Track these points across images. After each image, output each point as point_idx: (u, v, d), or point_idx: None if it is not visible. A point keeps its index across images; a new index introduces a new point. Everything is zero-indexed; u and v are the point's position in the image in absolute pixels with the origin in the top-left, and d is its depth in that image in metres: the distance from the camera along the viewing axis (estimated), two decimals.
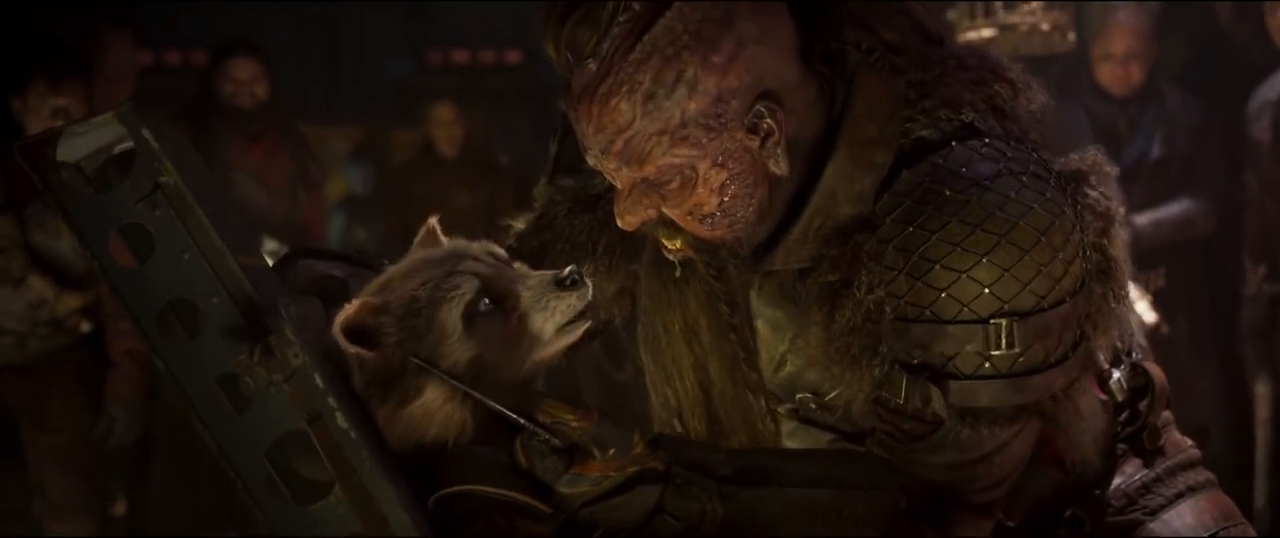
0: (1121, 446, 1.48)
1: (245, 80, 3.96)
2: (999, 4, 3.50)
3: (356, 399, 1.29)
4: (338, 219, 4.90)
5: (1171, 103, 3.71)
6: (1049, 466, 1.42)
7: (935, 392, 1.31)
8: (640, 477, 1.25)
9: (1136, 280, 3.24)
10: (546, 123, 1.61)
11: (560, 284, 1.31)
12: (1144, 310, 3.39)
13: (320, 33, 5.60)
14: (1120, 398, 1.47)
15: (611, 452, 1.25)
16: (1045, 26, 3.50)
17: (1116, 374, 1.46)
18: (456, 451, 1.27)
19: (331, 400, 1.22)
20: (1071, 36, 3.57)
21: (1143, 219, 3.52)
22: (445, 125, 4.52)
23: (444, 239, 1.38)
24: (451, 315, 1.28)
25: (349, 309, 1.28)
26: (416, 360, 1.27)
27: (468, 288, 1.29)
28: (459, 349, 1.28)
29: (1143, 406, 1.48)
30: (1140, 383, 1.48)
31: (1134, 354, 1.50)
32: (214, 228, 1.22)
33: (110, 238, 1.23)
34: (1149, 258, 3.51)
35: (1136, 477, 1.47)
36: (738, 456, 1.33)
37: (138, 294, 1.22)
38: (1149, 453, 1.48)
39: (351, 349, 1.27)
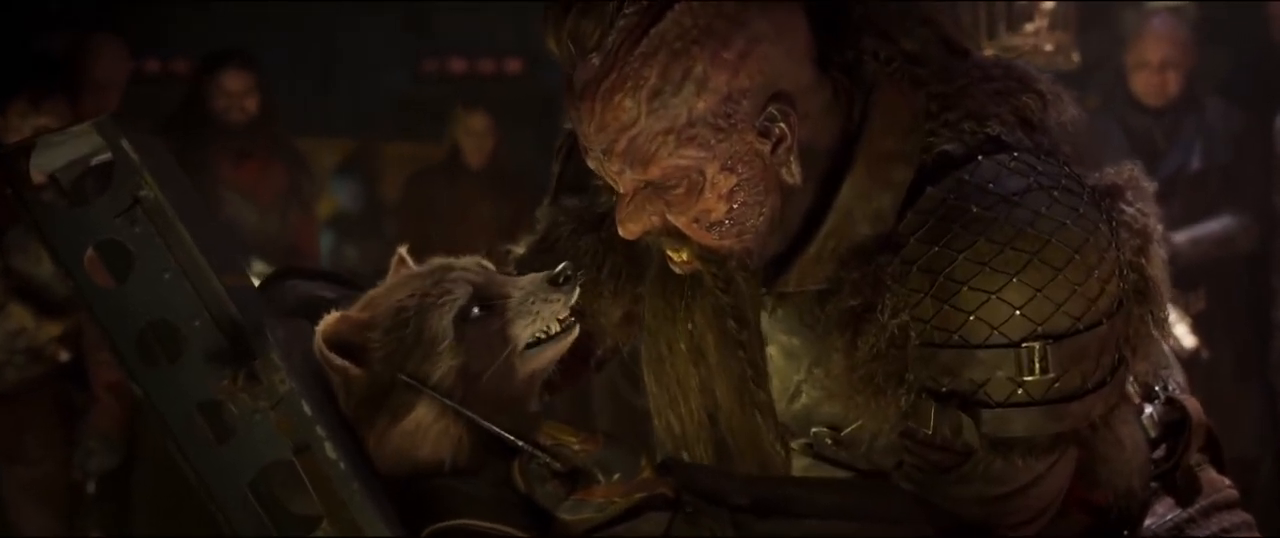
0: (1154, 484, 1.46)
1: (237, 93, 3.95)
2: (1001, 25, 3.52)
3: (346, 428, 1.28)
4: (326, 238, 4.89)
5: (1211, 113, 3.70)
6: (1076, 510, 1.40)
7: (966, 421, 1.29)
8: (647, 504, 1.24)
9: (1175, 302, 3.21)
10: (550, 136, 1.61)
11: (553, 283, 1.30)
12: (1183, 334, 3.36)
13: (312, 40, 5.61)
14: (1153, 434, 1.45)
15: (616, 477, 1.24)
16: (1048, 47, 3.52)
17: (1149, 409, 1.45)
18: (447, 482, 1.26)
19: (320, 429, 1.21)
20: (1075, 57, 3.60)
21: (1181, 236, 3.50)
22: (476, 136, 4.51)
23: (413, 265, 1.37)
24: (442, 322, 1.28)
25: (328, 321, 1.27)
26: (403, 377, 1.26)
27: (459, 293, 1.29)
28: (447, 359, 1.27)
29: (1177, 443, 1.46)
30: (1175, 418, 1.47)
31: (1169, 387, 1.48)
32: (197, 245, 1.21)
33: (86, 255, 1.22)
34: (1187, 278, 3.48)
35: (1169, 518, 1.46)
36: (754, 484, 1.32)
37: (115, 316, 1.21)
38: (1183, 493, 1.47)
39: (337, 362, 1.26)
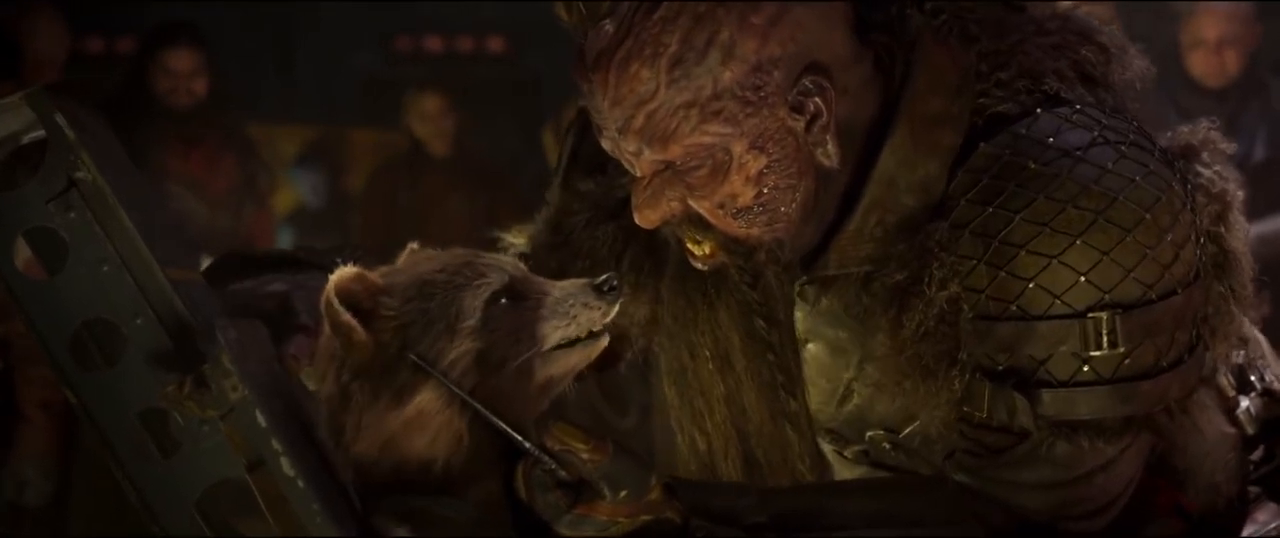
0: (1254, 489, 1.44)
1: (183, 74, 3.95)
2: None
3: (308, 441, 1.28)
4: (284, 234, 4.89)
5: (1277, 96, 3.71)
6: (1166, 514, 1.38)
7: (1021, 402, 1.28)
8: (652, 528, 1.24)
9: None
10: (535, 122, 1.60)
11: (597, 290, 1.30)
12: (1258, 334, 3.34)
13: (270, 14, 5.61)
14: (1251, 431, 1.43)
15: (623, 494, 1.23)
16: None
17: (1245, 403, 1.43)
18: (422, 503, 1.26)
19: (276, 443, 1.21)
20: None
21: None
22: (431, 120, 4.50)
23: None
24: (473, 301, 1.27)
25: (343, 273, 1.26)
26: (414, 357, 1.25)
27: (495, 278, 1.29)
28: (467, 341, 1.26)
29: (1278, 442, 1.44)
30: (1277, 414, 1.44)
31: (1267, 379, 1.46)
32: (140, 234, 1.21)
33: (15, 245, 1.22)
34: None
35: (1273, 526, 1.43)
36: (774, 498, 1.31)
37: (46, 312, 1.21)
38: None
39: (344, 318, 1.25)
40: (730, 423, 1.44)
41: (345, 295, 1.26)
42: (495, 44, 5.65)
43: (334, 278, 1.26)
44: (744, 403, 1.43)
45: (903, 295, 1.31)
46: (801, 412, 1.41)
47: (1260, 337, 1.45)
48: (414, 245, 1.36)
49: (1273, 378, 1.47)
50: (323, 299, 1.26)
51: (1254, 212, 3.72)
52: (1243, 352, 1.45)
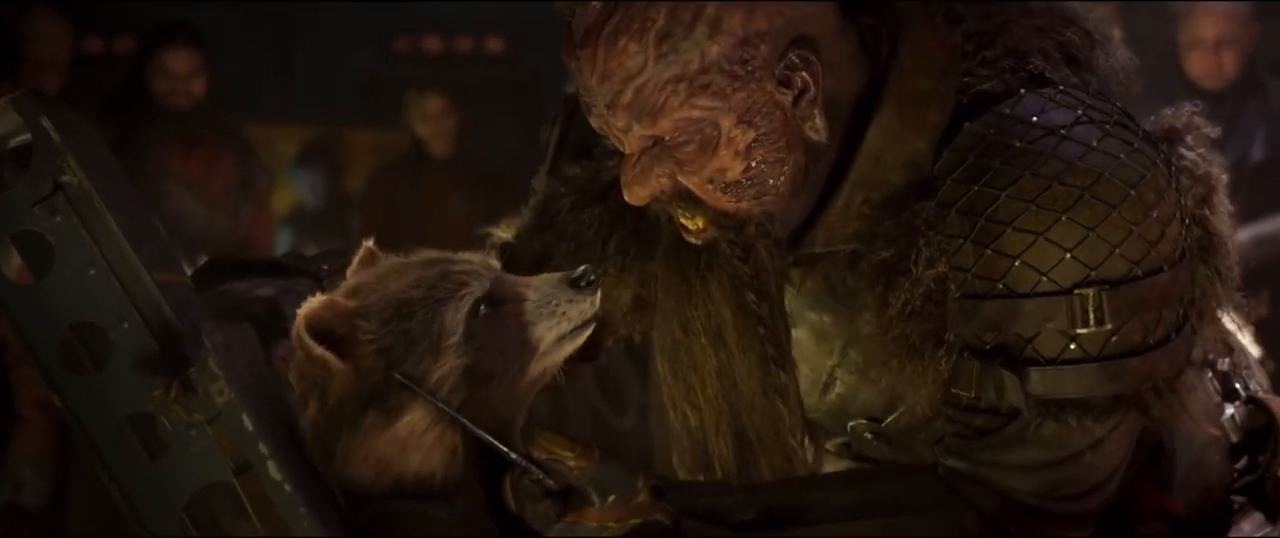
0: (1238, 498, 1.45)
1: (181, 75, 3.95)
2: None
3: (297, 446, 1.28)
4: (283, 235, 4.90)
5: (1275, 97, 3.70)
6: (1150, 516, 1.39)
7: (1009, 378, 1.28)
8: (642, 531, 1.24)
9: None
10: (535, 122, 1.60)
11: (573, 285, 1.30)
12: (1246, 343, 3.35)
13: (268, 14, 5.61)
14: (1236, 439, 1.44)
15: (612, 499, 1.24)
16: None
17: (1230, 410, 1.44)
18: (410, 505, 1.26)
19: (263, 447, 1.21)
20: None
21: (1242, 234, 3.50)
22: (433, 120, 4.50)
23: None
24: (455, 316, 1.27)
25: (312, 304, 1.26)
26: (399, 377, 1.25)
27: (475, 286, 1.29)
28: (453, 358, 1.26)
29: (1264, 455, 1.44)
30: (1261, 424, 1.45)
31: (1251, 387, 1.47)
32: (126, 238, 1.21)
33: (3, 248, 1.22)
34: (1250, 280, 3.47)
35: (1259, 536, 1.44)
36: (759, 494, 1.32)
37: (34, 316, 1.21)
38: (1273, 505, 1.44)
39: (316, 351, 1.25)
40: (722, 398, 1.44)
41: (318, 326, 1.25)
42: (495, 44, 5.66)
43: (303, 310, 1.25)
44: (736, 377, 1.44)
45: (889, 274, 1.31)
46: (791, 385, 1.41)
47: (1246, 345, 1.46)
48: (369, 243, 1.36)
49: (1257, 387, 1.48)
50: (293, 333, 1.26)
51: (1253, 212, 3.72)
52: (1228, 360, 1.45)
